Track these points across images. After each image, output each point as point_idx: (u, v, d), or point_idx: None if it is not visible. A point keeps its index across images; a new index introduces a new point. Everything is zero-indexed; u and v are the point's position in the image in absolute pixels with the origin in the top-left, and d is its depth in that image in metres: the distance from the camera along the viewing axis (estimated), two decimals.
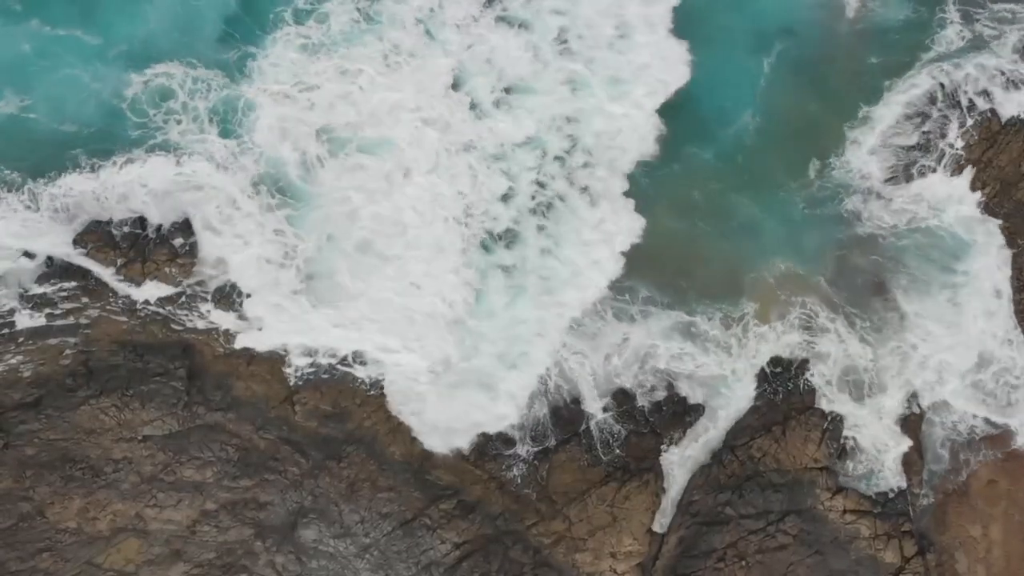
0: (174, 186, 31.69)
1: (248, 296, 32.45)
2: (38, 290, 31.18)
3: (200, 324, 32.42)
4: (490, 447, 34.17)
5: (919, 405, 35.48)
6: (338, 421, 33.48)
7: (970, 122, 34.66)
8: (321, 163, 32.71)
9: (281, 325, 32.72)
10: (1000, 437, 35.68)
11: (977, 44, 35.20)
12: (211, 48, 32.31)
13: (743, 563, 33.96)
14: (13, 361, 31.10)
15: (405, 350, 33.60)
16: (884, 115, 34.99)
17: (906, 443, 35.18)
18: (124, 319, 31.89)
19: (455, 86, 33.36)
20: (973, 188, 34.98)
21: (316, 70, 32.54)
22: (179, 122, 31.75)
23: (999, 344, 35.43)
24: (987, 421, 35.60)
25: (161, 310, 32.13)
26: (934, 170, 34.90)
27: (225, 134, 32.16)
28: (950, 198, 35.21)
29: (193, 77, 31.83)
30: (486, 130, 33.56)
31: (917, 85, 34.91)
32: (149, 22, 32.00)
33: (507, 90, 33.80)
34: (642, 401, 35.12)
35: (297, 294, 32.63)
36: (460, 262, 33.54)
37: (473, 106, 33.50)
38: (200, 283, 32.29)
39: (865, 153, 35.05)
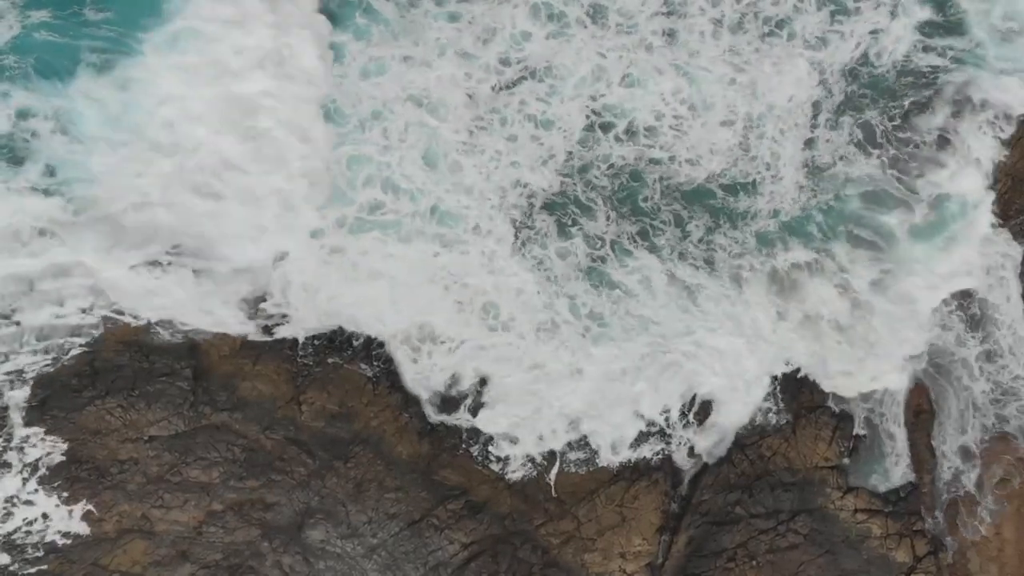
0: None
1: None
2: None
3: (206, 324, 32.27)
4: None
5: (929, 401, 35.28)
6: (345, 421, 33.30)
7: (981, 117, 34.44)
8: None
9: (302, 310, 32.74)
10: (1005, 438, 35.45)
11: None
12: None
13: (753, 563, 33.74)
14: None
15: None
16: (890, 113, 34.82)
17: (917, 440, 35.03)
18: (129, 319, 31.73)
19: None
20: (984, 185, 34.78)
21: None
22: None
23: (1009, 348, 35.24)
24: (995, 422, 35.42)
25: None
26: (944, 167, 34.70)
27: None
28: (960, 196, 34.97)
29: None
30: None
31: (927, 82, 34.75)
32: None
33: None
34: None
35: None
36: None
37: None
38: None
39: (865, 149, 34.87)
